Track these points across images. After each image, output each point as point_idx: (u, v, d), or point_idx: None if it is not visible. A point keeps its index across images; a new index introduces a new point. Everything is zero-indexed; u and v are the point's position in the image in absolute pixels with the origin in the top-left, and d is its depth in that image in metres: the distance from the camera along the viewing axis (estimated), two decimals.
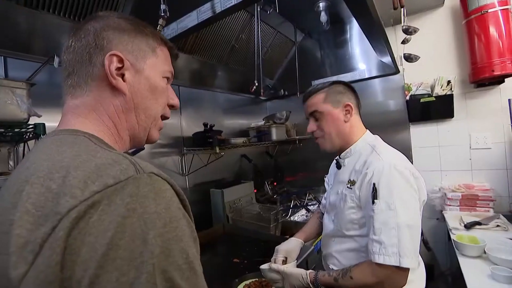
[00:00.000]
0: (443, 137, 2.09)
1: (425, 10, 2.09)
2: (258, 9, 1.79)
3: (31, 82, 0.90)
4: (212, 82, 2.12)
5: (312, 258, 1.40)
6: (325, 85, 1.00)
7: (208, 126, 1.75)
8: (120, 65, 0.47)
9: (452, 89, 2.00)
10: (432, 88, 2.06)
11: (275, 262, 1.01)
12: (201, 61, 1.91)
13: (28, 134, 0.93)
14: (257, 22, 1.83)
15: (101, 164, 0.36)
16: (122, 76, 0.48)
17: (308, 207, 2.08)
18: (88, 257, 0.30)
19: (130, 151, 1.06)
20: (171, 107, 0.58)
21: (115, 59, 0.47)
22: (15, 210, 0.34)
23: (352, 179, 0.92)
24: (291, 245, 1.10)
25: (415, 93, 2.11)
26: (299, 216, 2.02)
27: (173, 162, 1.79)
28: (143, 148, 1.04)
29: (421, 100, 2.07)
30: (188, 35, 1.67)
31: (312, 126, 1.00)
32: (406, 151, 1.96)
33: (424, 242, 1.91)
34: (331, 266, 0.98)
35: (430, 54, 2.06)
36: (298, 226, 1.64)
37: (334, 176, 1.07)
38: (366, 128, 1.03)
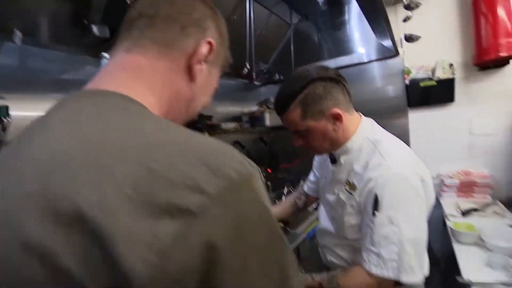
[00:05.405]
0: (443, 123, 2.01)
1: None
2: None
3: None
4: None
5: (303, 246, 1.36)
6: (297, 88, 0.77)
7: None
8: (207, 55, 0.45)
9: (454, 73, 1.92)
10: (433, 71, 1.98)
11: None
12: None
13: None
14: (249, 1, 1.74)
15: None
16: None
17: None
18: None
19: None
20: None
21: (208, 47, 0.44)
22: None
23: (351, 182, 0.81)
24: None
25: (415, 77, 2.02)
26: None
27: None
28: None
29: (421, 84, 1.99)
30: None
31: (298, 141, 0.86)
32: (404, 137, 1.90)
33: None
34: (329, 259, 0.93)
35: (433, 35, 1.97)
36: None
37: (328, 170, 0.94)
38: (358, 114, 0.88)
